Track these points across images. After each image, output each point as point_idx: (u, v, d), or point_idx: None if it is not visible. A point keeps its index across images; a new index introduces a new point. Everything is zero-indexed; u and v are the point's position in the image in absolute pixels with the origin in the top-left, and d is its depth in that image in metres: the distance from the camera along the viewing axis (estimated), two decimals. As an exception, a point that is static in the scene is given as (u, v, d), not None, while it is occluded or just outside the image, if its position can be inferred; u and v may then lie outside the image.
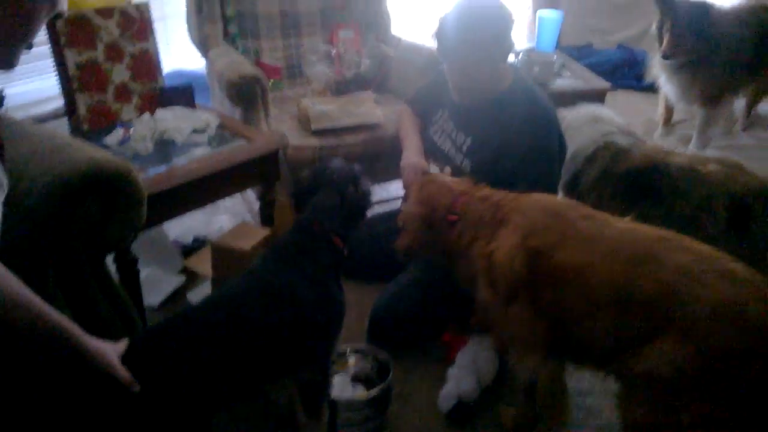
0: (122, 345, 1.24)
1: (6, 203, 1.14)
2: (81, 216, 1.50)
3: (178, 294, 2.30)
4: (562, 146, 2.07)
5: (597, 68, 3.20)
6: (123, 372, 1.18)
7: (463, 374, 1.92)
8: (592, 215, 1.54)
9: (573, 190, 2.34)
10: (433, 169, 2.16)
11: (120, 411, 1.21)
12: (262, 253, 1.61)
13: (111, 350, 1.19)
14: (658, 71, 2.95)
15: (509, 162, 1.92)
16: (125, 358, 1.21)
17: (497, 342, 1.82)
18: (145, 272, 2.14)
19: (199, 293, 2.25)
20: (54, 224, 1.47)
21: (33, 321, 1.08)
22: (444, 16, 1.98)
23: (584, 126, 2.34)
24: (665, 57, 2.92)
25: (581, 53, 3.43)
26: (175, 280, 2.33)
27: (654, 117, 3.16)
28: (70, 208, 1.47)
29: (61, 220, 1.47)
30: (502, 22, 1.94)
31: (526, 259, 1.50)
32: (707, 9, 2.86)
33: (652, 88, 3.06)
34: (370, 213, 1.80)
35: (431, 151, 2.22)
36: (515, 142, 1.92)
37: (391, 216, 2.24)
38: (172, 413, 1.26)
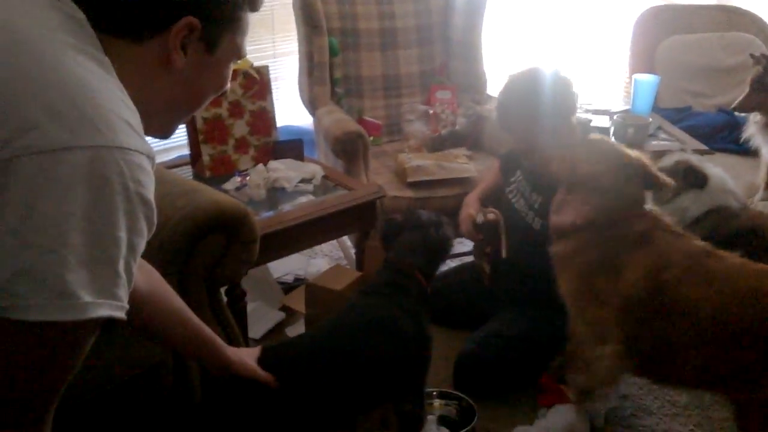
0: (257, 350, 1.41)
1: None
2: (204, 251, 1.70)
3: (278, 329, 2.47)
4: None
5: (695, 131, 3.17)
6: (264, 374, 1.33)
7: (546, 427, 1.95)
8: (718, 255, 1.63)
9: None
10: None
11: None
12: (359, 289, 1.74)
13: (250, 355, 1.35)
14: (754, 130, 2.90)
15: None
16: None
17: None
18: (250, 307, 2.32)
19: (296, 329, 2.41)
20: (181, 257, 1.68)
21: (191, 336, 1.26)
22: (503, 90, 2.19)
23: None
24: (735, 109, 2.89)
25: (679, 116, 3.41)
26: (276, 315, 2.51)
27: (755, 180, 3.09)
28: (195, 244, 1.68)
29: (187, 253, 1.68)
30: (558, 85, 2.10)
31: (649, 288, 1.61)
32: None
33: (753, 152, 3.00)
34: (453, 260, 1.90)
35: (505, 210, 2.30)
36: None
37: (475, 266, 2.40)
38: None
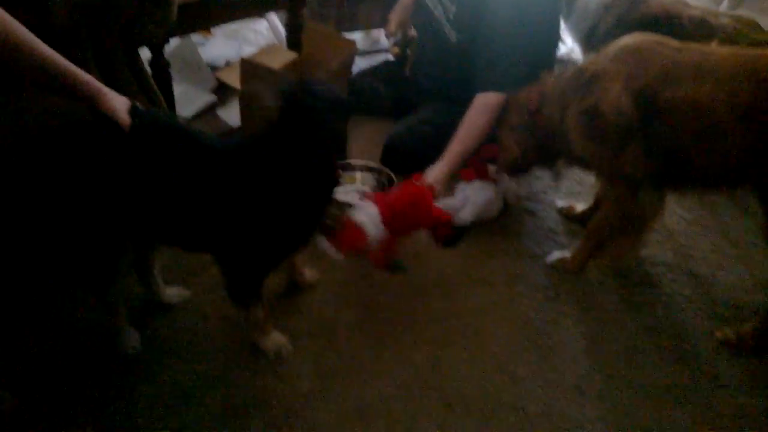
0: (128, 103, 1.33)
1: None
2: (116, 9, 1.65)
3: (210, 111, 2.48)
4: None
5: None
6: (124, 118, 1.28)
7: (462, 201, 2.09)
8: (684, 46, 1.56)
9: (589, 40, 2.38)
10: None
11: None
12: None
13: (122, 101, 1.31)
14: None
15: (494, 34, 1.93)
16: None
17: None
18: (179, 88, 2.30)
19: (228, 111, 2.43)
20: (94, 14, 1.63)
21: (40, 65, 1.19)
22: None
23: None
24: None
25: None
26: (207, 97, 2.51)
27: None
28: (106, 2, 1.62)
29: (100, 10, 1.63)
30: None
31: (633, 100, 1.54)
32: None
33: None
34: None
35: (421, 18, 2.28)
36: (500, 12, 1.92)
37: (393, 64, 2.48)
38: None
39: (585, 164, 1.79)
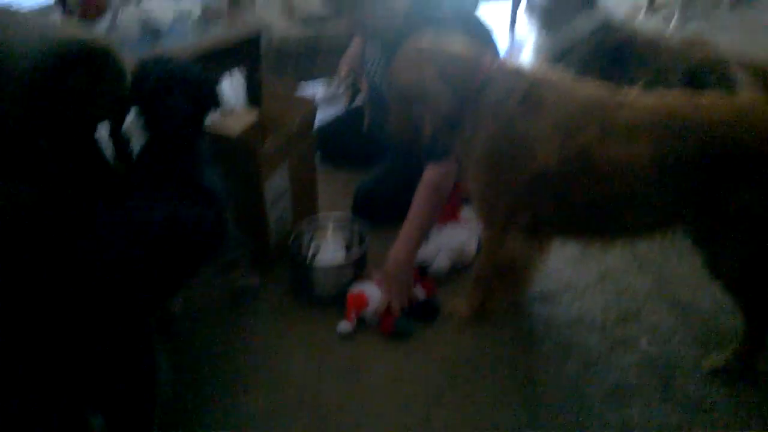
0: None
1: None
2: (68, 87, 1.62)
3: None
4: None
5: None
6: None
7: (437, 248, 2.08)
8: (624, 103, 1.51)
9: (558, 60, 2.41)
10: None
11: None
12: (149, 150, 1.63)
13: None
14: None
15: None
16: None
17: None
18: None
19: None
20: (44, 94, 1.60)
21: None
22: None
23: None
24: None
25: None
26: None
27: (638, 2, 3.17)
28: (57, 80, 1.59)
29: (50, 90, 1.60)
30: None
31: (563, 156, 1.50)
32: None
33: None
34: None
35: (369, 83, 2.34)
36: None
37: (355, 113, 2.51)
38: None
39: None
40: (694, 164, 1.42)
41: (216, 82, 1.68)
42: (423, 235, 1.93)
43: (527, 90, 1.53)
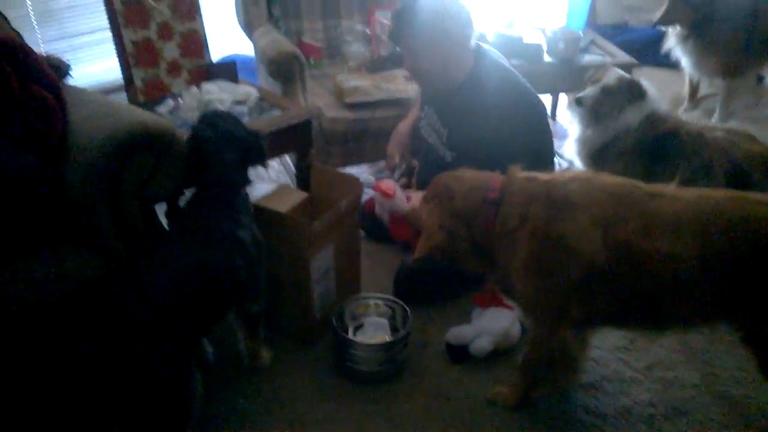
0: None
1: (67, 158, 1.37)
2: (132, 168, 1.73)
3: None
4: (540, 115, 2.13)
5: (629, 45, 3.25)
6: None
7: (477, 330, 2.07)
8: (657, 192, 1.53)
9: (596, 158, 2.45)
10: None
11: None
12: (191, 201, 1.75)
13: None
14: (671, 43, 3.00)
15: (485, 147, 1.94)
16: None
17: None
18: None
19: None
20: (108, 176, 1.70)
21: None
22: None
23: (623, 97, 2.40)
24: (659, 23, 2.96)
25: (615, 31, 3.48)
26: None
27: (681, 92, 3.23)
28: (122, 162, 1.70)
29: (114, 172, 1.70)
30: (439, 12, 1.99)
31: (609, 250, 1.49)
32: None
33: (680, 66, 3.10)
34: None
35: (419, 145, 2.37)
36: (487, 127, 1.96)
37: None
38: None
39: (510, 289, 1.69)
40: (739, 260, 1.41)
41: (263, 138, 1.82)
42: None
43: (547, 192, 1.54)
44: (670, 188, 1.54)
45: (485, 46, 2.17)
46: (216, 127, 1.71)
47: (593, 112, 2.44)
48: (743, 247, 1.40)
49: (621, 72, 2.47)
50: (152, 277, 1.54)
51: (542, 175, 1.63)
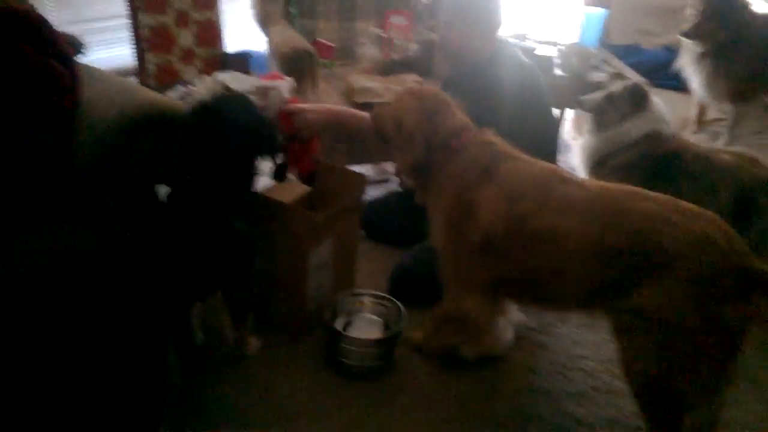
0: None
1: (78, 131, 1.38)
2: (141, 147, 1.74)
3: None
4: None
5: (640, 66, 3.27)
6: None
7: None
8: (571, 179, 1.64)
9: (596, 166, 2.46)
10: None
11: None
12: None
13: None
14: (685, 61, 3.01)
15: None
16: None
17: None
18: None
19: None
20: (117, 153, 1.71)
21: None
22: None
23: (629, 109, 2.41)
24: (685, 35, 2.97)
25: (627, 52, 3.51)
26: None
27: (689, 115, 3.25)
28: (131, 140, 1.72)
29: (123, 149, 1.72)
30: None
31: (507, 223, 1.62)
32: (738, 2, 2.94)
33: (690, 89, 3.12)
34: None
35: None
36: (497, 108, 2.01)
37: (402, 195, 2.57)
38: None
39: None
40: (615, 250, 1.47)
41: (274, 127, 1.79)
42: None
43: (489, 162, 1.68)
44: (585, 179, 1.69)
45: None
46: (220, 113, 1.65)
47: (597, 120, 2.47)
48: (618, 238, 1.46)
49: (631, 82, 2.48)
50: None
51: (504, 147, 1.72)
